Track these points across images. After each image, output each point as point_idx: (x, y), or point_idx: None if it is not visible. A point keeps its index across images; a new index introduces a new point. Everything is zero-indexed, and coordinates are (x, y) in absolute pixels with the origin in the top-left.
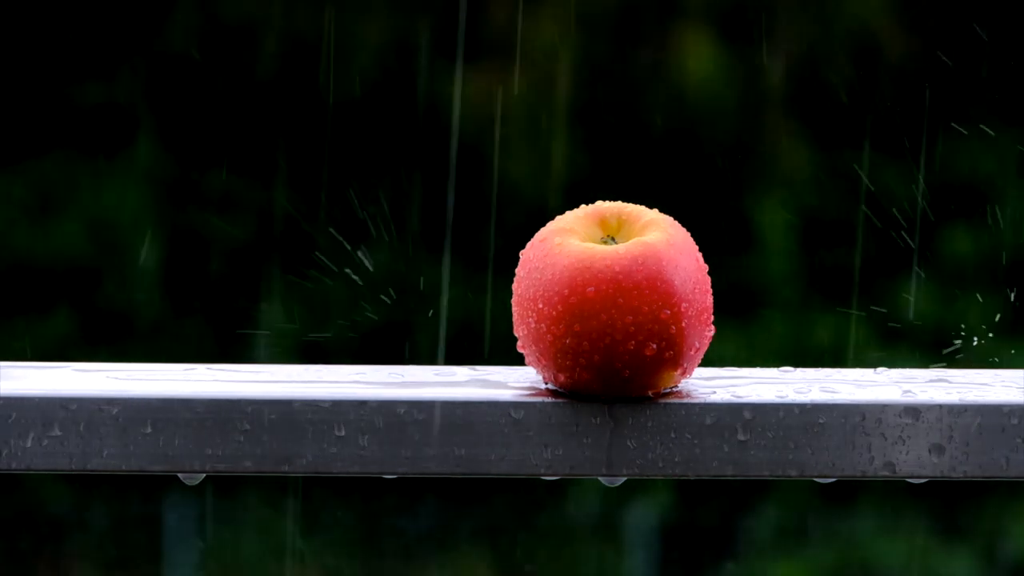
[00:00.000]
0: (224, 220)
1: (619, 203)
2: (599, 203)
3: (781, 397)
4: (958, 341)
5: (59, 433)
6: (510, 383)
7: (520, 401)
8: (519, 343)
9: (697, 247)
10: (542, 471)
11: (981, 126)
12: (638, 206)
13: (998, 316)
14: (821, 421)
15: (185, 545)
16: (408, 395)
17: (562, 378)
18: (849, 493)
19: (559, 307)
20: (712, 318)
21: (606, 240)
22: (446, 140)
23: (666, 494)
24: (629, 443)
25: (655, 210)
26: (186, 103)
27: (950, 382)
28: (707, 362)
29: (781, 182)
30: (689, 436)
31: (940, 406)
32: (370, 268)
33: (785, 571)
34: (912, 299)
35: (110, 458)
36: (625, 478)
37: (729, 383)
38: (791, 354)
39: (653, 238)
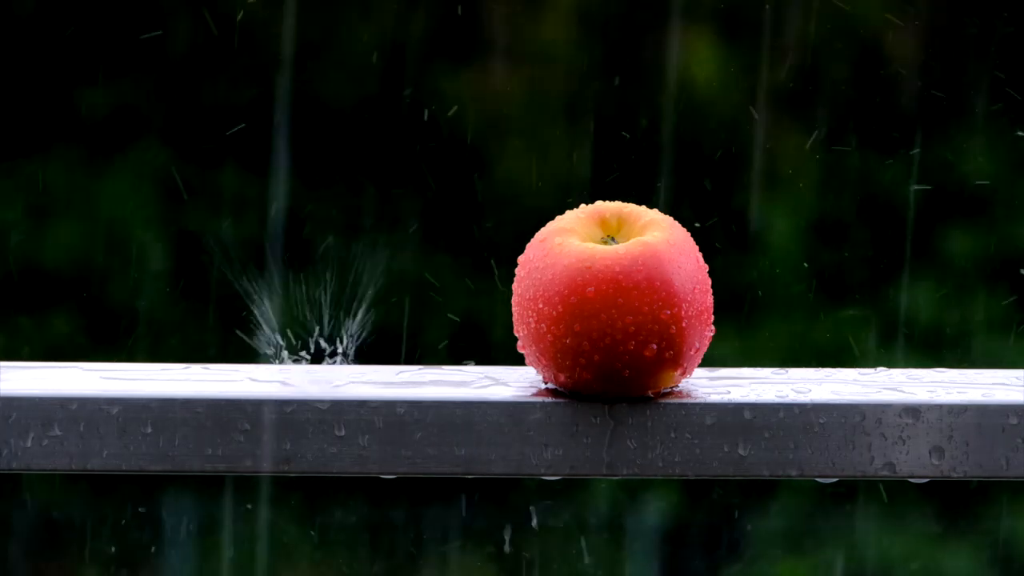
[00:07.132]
0: (225, 219)
1: (619, 203)
2: (599, 203)
3: (781, 397)
4: (959, 341)
5: (59, 433)
6: (510, 383)
7: (520, 401)
8: (519, 343)
9: (697, 247)
10: (542, 471)
11: (985, 126)
12: (638, 206)
13: (998, 316)
14: (821, 421)
15: (185, 545)
16: (408, 395)
17: (562, 378)
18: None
19: (559, 307)
20: (712, 318)
21: (606, 240)
22: (446, 140)
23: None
24: (629, 443)
25: (655, 210)
26: (187, 102)
27: (950, 382)
28: (707, 362)
29: (783, 182)
30: (689, 436)
31: (940, 406)
32: (370, 268)
33: (789, 572)
34: (913, 299)
35: (110, 458)
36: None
37: (729, 383)
38: (792, 355)
39: (653, 238)
